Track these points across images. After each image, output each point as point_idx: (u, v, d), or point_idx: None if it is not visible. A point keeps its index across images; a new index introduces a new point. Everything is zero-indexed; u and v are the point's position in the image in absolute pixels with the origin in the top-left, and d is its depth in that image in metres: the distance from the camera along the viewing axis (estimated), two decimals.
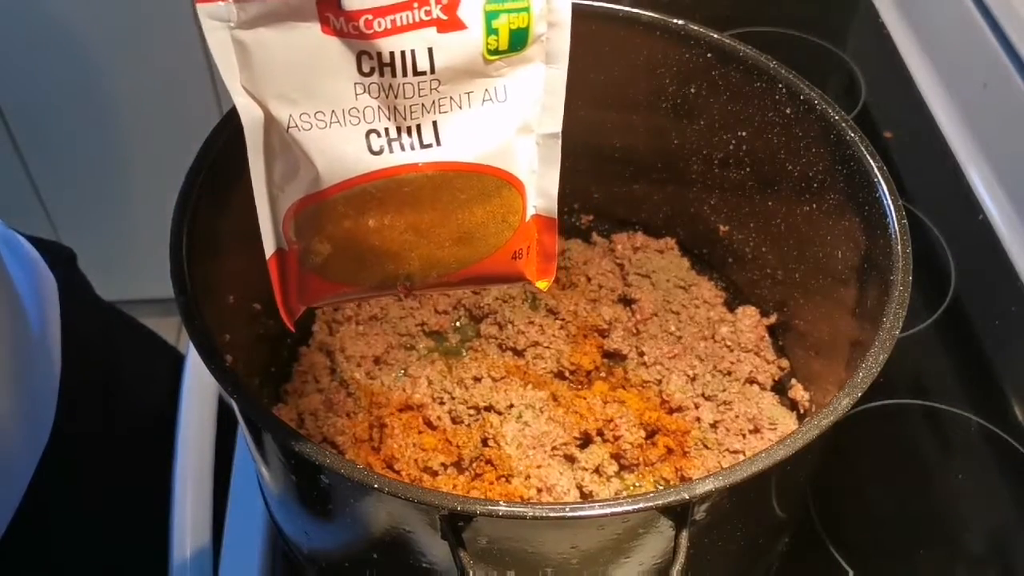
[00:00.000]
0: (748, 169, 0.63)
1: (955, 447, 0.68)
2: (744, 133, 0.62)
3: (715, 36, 0.60)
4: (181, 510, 0.68)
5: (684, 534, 0.42)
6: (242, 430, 0.61)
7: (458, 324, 0.66)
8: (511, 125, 0.40)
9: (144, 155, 1.44)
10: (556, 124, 0.41)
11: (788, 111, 0.58)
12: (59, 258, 0.73)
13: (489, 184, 0.40)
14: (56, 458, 0.64)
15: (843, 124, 0.55)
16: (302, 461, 0.43)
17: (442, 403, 0.59)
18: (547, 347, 0.63)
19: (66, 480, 0.65)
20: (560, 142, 0.41)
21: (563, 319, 0.65)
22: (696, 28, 0.60)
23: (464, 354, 0.64)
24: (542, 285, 0.43)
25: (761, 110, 0.60)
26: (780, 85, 0.58)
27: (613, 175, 0.71)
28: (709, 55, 0.60)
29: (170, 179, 0.54)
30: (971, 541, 0.64)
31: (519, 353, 0.63)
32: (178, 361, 0.82)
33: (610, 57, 0.63)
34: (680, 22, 0.61)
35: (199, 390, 0.74)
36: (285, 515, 0.57)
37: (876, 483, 0.67)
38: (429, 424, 0.58)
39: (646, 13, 0.61)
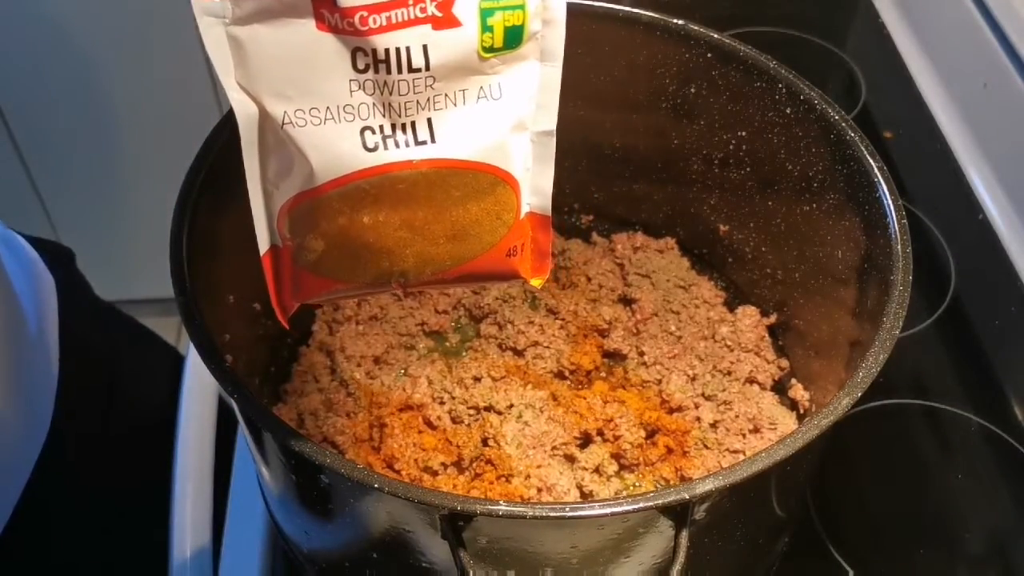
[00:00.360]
0: (748, 169, 0.63)
1: (955, 447, 0.68)
2: (744, 133, 0.62)
3: (715, 36, 0.60)
4: (181, 510, 0.68)
5: (684, 534, 0.42)
6: (242, 430, 0.61)
7: (458, 324, 0.66)
8: (506, 123, 0.40)
9: (144, 155, 1.44)
10: (551, 122, 0.41)
11: (788, 111, 0.58)
12: (58, 258, 0.73)
13: (484, 181, 0.40)
14: (54, 457, 0.64)
15: (843, 124, 0.55)
16: (302, 461, 0.43)
17: (442, 403, 0.59)
18: (547, 347, 0.63)
19: (65, 479, 0.65)
20: (555, 140, 0.41)
21: (563, 319, 0.65)
22: (696, 28, 0.60)
23: (464, 354, 0.64)
24: (536, 283, 0.43)
25: (761, 110, 0.60)
26: (780, 85, 0.58)
27: (613, 175, 0.71)
28: (709, 55, 0.60)
29: (170, 179, 0.54)
30: (971, 541, 0.64)
31: (519, 353, 0.63)
32: (178, 361, 0.82)
33: (610, 57, 0.63)
34: (680, 22, 0.61)
35: (199, 390, 0.74)
36: (285, 515, 0.57)
37: (876, 483, 0.67)
38: (429, 424, 0.58)
39: (646, 13, 0.61)
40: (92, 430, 0.70)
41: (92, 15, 1.28)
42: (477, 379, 0.61)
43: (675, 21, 0.61)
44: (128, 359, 0.78)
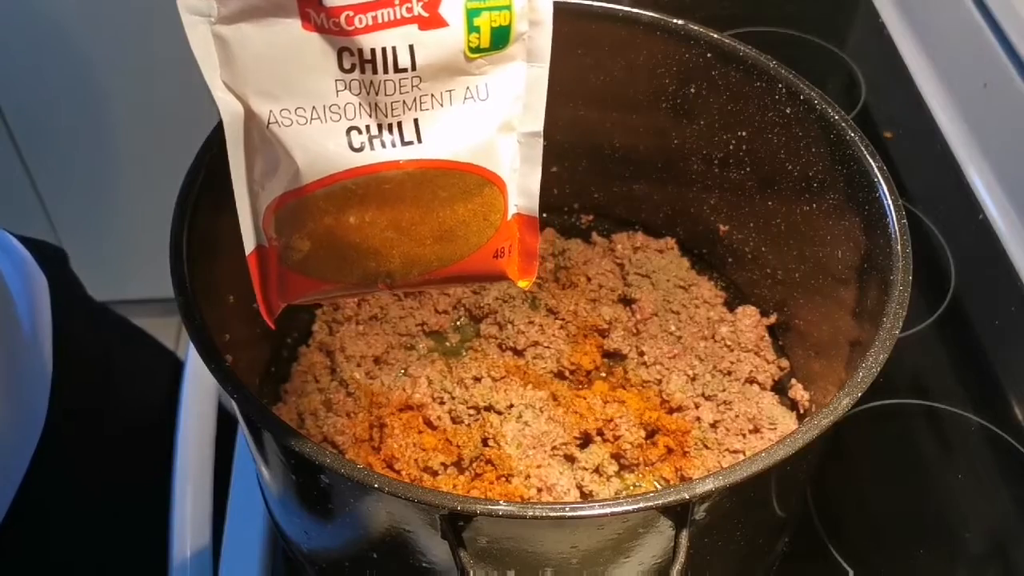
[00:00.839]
0: (748, 169, 0.63)
1: (955, 447, 0.68)
2: (744, 133, 0.62)
3: (715, 36, 0.60)
4: (181, 510, 0.68)
5: (684, 534, 0.42)
6: (242, 430, 0.61)
7: (458, 324, 0.66)
8: (492, 123, 0.40)
9: (144, 155, 1.44)
10: (538, 123, 0.41)
11: (788, 111, 0.58)
12: (50, 258, 0.73)
13: (471, 182, 0.40)
14: (50, 457, 0.64)
15: (843, 124, 0.55)
16: (302, 461, 0.43)
17: (442, 403, 0.59)
18: (547, 347, 0.63)
19: (60, 479, 0.65)
20: (542, 141, 0.41)
21: (563, 319, 0.65)
22: (696, 28, 0.60)
23: (464, 354, 0.64)
24: (524, 284, 0.43)
25: (761, 110, 0.60)
26: (780, 85, 0.58)
27: (613, 175, 0.71)
28: (709, 55, 0.60)
29: (170, 179, 0.54)
30: (971, 541, 0.64)
31: (519, 353, 0.63)
32: (171, 360, 0.82)
33: (610, 57, 0.63)
34: (680, 22, 0.61)
35: (199, 390, 0.74)
36: (285, 515, 0.57)
37: (876, 483, 0.67)
38: (429, 424, 0.58)
39: (646, 13, 0.61)
40: (87, 430, 0.70)
41: (92, 15, 1.28)
42: (477, 379, 0.61)
43: (675, 21, 0.61)
44: (121, 359, 0.78)
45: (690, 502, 0.41)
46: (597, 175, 0.71)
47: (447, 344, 0.65)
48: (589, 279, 0.68)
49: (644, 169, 0.69)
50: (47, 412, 0.65)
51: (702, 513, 0.43)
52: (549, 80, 0.40)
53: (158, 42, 1.30)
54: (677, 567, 0.42)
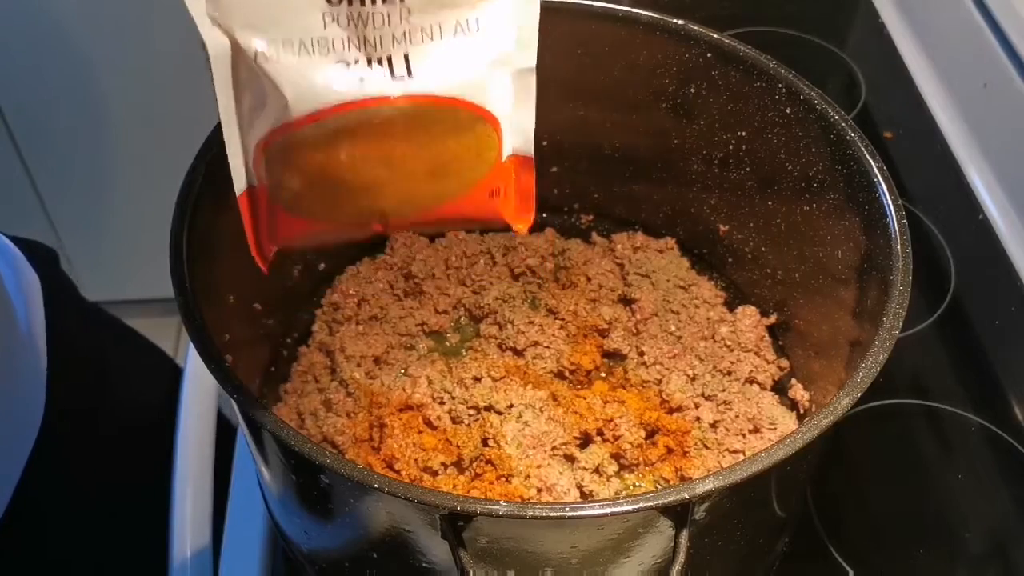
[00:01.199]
0: (748, 169, 0.63)
1: (955, 447, 0.68)
2: (744, 133, 0.62)
3: (715, 36, 0.60)
4: (181, 510, 0.68)
5: (684, 534, 0.42)
6: (242, 430, 0.61)
7: (458, 324, 0.66)
8: (484, 58, 0.39)
9: (144, 155, 1.44)
10: (531, 59, 0.40)
11: (788, 111, 0.58)
12: (42, 258, 0.73)
13: (463, 118, 0.39)
14: (45, 457, 0.63)
15: (843, 124, 0.55)
16: (302, 461, 0.43)
17: (442, 403, 0.59)
18: (547, 347, 0.63)
19: (56, 478, 0.65)
20: (535, 78, 0.40)
21: (563, 319, 0.65)
22: (696, 28, 0.60)
23: (464, 354, 0.64)
24: (520, 227, 0.42)
25: (761, 110, 0.60)
26: (780, 85, 0.58)
27: (613, 175, 0.71)
28: (709, 55, 0.60)
29: (170, 179, 0.54)
30: (971, 541, 0.64)
31: (519, 353, 0.63)
32: (165, 358, 0.82)
33: (610, 57, 0.63)
34: (680, 22, 0.61)
35: (199, 391, 0.74)
36: (285, 515, 0.57)
37: (876, 483, 0.67)
38: (429, 424, 0.58)
39: (646, 13, 0.61)
40: (82, 429, 0.70)
41: (92, 15, 1.28)
42: (477, 379, 0.61)
43: (675, 21, 0.61)
44: (115, 358, 0.78)
45: (690, 502, 0.41)
46: (597, 175, 0.71)
47: (447, 344, 0.65)
48: (589, 279, 0.68)
49: (644, 169, 0.69)
50: (43, 411, 0.64)
51: (702, 513, 0.43)
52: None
53: (158, 42, 1.30)
54: (677, 567, 0.42)
